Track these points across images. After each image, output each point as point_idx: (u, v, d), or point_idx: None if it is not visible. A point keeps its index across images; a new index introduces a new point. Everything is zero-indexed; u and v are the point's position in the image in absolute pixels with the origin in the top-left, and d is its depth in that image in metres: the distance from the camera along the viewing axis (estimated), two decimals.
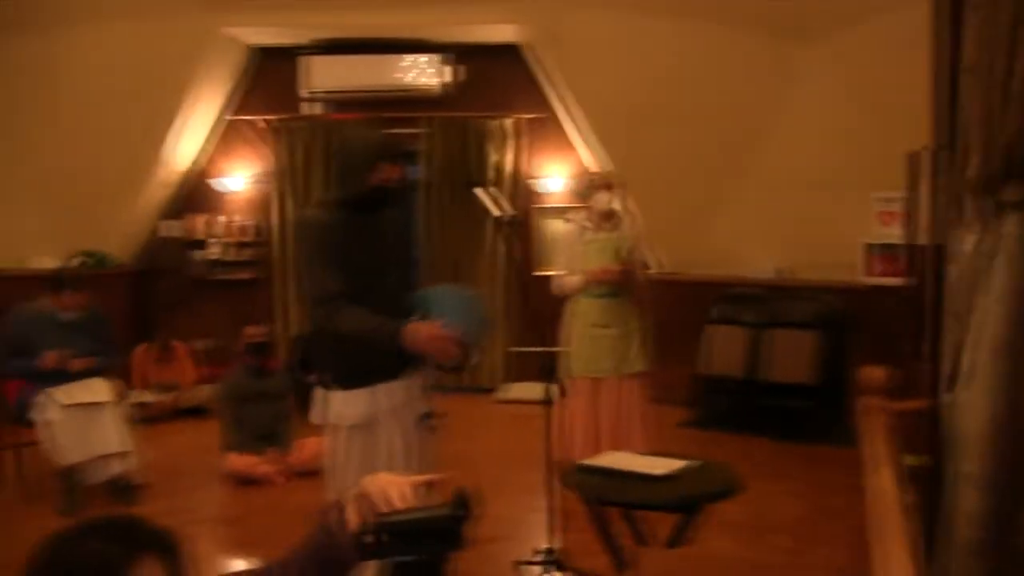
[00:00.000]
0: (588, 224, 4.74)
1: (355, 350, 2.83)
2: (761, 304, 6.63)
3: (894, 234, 5.96)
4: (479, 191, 3.11)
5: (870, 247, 6.39)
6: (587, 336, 4.65)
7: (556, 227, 7.36)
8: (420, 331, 2.71)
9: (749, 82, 6.63)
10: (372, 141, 2.86)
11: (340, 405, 2.91)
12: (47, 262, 7.56)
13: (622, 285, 4.66)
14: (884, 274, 6.26)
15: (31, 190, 7.69)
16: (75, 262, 7.62)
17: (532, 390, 7.31)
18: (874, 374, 4.38)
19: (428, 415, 3.01)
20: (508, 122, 7.81)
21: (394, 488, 1.19)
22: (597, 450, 4.56)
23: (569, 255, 4.76)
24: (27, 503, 4.88)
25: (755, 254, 7.05)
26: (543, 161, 7.92)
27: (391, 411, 2.91)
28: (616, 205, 4.76)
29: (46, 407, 4.77)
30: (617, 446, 4.54)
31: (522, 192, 7.90)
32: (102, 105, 7.27)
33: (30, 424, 4.85)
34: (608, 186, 4.72)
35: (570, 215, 4.92)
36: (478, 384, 7.71)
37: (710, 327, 6.76)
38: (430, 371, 2.95)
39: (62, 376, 4.83)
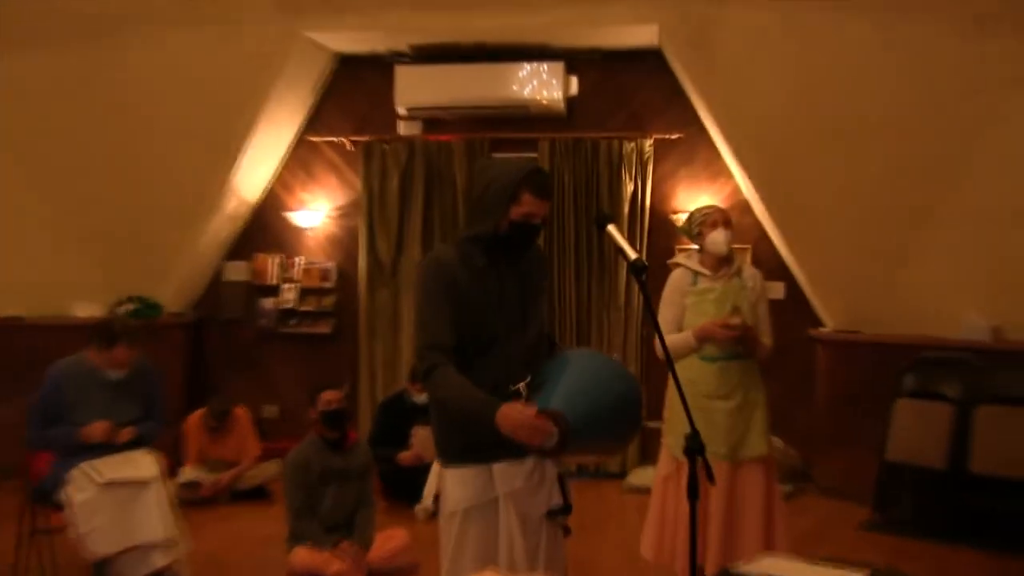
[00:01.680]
0: (702, 270, 4.71)
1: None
2: (970, 373, 6.56)
3: None
4: (612, 229, 3.06)
5: None
6: (696, 410, 4.36)
7: None
8: (511, 415, 2.80)
9: (950, 92, 6.61)
10: (518, 168, 3.02)
11: (452, 484, 3.05)
12: (90, 309, 7.96)
13: (744, 345, 4.58)
14: None
15: (74, 224, 7.98)
16: (123, 310, 7.96)
17: None
18: None
19: (560, 510, 3.07)
20: (647, 143, 7.93)
21: None
22: (702, 553, 4.53)
23: (676, 308, 4.70)
24: None
25: (960, 309, 7.00)
26: (690, 191, 7.99)
27: (511, 497, 3.00)
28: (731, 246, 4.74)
29: (80, 484, 4.77)
30: (728, 548, 4.53)
31: (664, 231, 7.99)
32: (161, 125, 7.63)
33: (58, 505, 4.86)
34: (725, 222, 4.69)
35: (679, 259, 4.85)
36: (604, 468, 7.86)
37: (902, 402, 6.72)
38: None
39: (100, 447, 4.86)
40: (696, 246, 4.81)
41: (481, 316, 3.00)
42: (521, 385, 2.92)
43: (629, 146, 7.96)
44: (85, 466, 4.82)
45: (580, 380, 2.94)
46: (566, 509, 3.08)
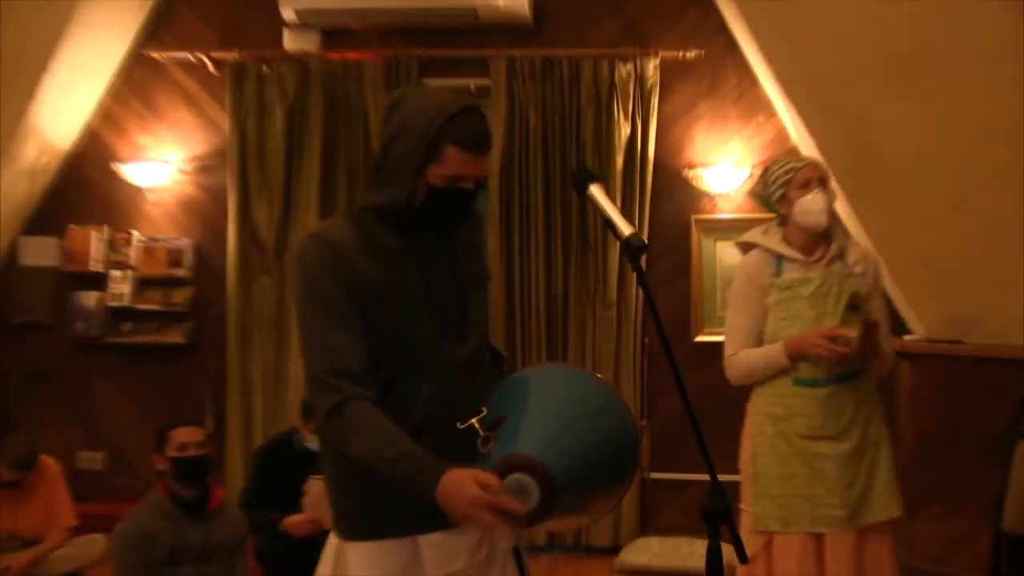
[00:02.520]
0: (789, 252, 4.69)
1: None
2: None
3: None
4: (596, 192, 3.02)
5: None
6: (795, 456, 4.59)
7: (733, 256, 7.55)
8: (461, 489, 2.73)
9: None
10: (438, 107, 2.96)
11: (357, 565, 3.04)
12: None
13: (863, 361, 4.58)
14: None
15: None
16: None
17: (683, 552, 7.23)
18: None
19: None
20: (650, 65, 7.80)
21: None
22: None
23: (753, 310, 4.72)
24: None
25: None
26: (713, 134, 7.92)
27: None
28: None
29: None
30: None
31: (676, 194, 7.95)
32: None
33: None
34: (821, 181, 4.68)
35: (753, 236, 4.87)
36: (588, 542, 7.78)
37: None
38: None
39: None
40: (776, 216, 4.79)
41: (397, 323, 3.00)
42: (474, 421, 2.85)
43: (624, 69, 7.79)
44: None
45: (557, 411, 2.91)
46: None
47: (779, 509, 4.59)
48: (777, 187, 4.68)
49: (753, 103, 7.83)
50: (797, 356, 4.50)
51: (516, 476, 2.69)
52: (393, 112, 3.05)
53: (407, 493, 2.85)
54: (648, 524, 7.74)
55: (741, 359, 4.63)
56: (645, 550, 7.37)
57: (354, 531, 3.06)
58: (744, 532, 4.61)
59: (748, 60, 7.72)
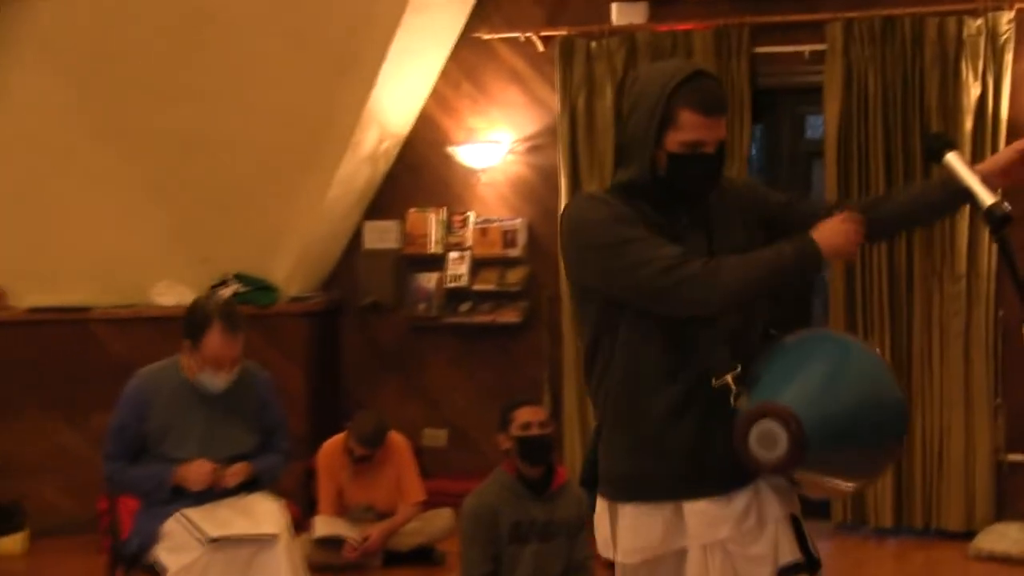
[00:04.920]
0: None
1: (649, 434, 3.08)
2: None
3: None
4: (954, 159, 2.99)
5: None
6: None
7: None
8: (836, 236, 2.96)
9: None
10: (670, 74, 3.04)
11: (626, 530, 3.15)
12: (175, 295, 8.08)
13: None
14: None
15: (148, 177, 8.05)
16: (224, 293, 8.03)
17: None
18: None
19: (795, 568, 3.08)
20: (1004, 18, 7.41)
21: None
22: None
23: None
24: None
25: None
26: None
27: (715, 550, 3.07)
28: None
29: (177, 542, 4.92)
30: None
31: None
32: (264, 31, 7.64)
33: (152, 569, 5.00)
34: None
35: None
36: (939, 525, 7.55)
37: None
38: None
39: (202, 491, 5.05)
40: None
41: None
42: (728, 377, 2.98)
43: (973, 24, 7.43)
44: (183, 516, 4.96)
45: (816, 371, 2.99)
46: (809, 565, 3.10)
47: None
48: None
49: None
50: None
51: (766, 423, 2.80)
52: (630, 90, 3.14)
53: (800, 278, 3.04)
54: (1005, 509, 7.42)
55: None
56: (1004, 536, 7.15)
57: (620, 493, 3.17)
58: None
59: None
